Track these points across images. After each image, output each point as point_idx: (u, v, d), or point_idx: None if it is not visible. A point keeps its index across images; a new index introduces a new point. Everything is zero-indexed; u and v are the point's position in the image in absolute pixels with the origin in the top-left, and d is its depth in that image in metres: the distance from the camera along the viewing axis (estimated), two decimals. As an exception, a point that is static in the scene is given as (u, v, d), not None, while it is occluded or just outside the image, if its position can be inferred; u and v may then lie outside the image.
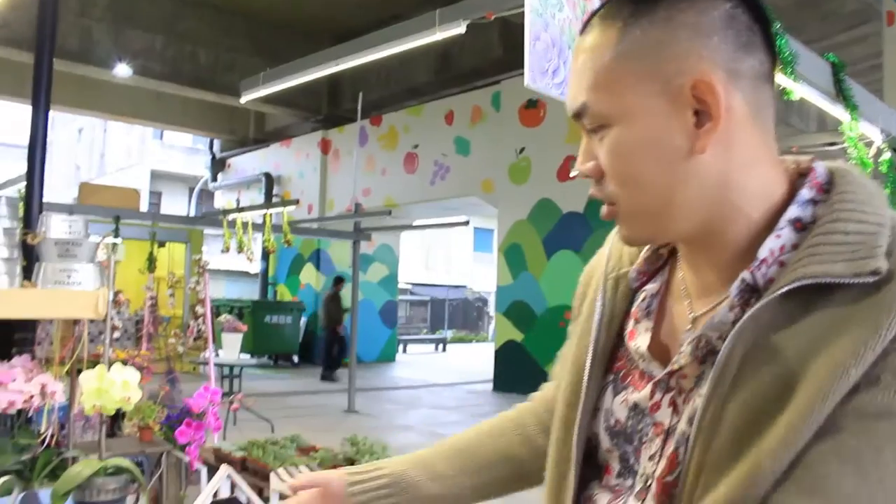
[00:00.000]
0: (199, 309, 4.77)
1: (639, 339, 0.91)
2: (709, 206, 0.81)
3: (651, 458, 0.86)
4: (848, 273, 0.73)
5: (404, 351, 21.97)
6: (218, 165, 20.54)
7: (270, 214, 8.15)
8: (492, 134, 13.19)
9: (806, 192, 0.82)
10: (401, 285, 18.24)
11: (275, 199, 17.14)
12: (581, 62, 0.85)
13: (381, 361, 17.46)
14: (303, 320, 16.63)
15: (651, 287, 0.94)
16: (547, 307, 11.85)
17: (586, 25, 0.86)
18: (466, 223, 11.76)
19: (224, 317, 6.78)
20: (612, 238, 1.02)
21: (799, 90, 5.02)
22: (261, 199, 17.58)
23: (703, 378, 0.81)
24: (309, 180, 17.48)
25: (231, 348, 6.46)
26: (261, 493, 1.99)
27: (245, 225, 7.30)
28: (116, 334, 3.59)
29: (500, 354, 12.79)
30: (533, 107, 12.35)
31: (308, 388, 12.87)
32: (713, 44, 0.79)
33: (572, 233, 11.54)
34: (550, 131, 11.92)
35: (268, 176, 18.39)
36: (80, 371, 2.69)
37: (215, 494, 1.90)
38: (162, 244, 8.23)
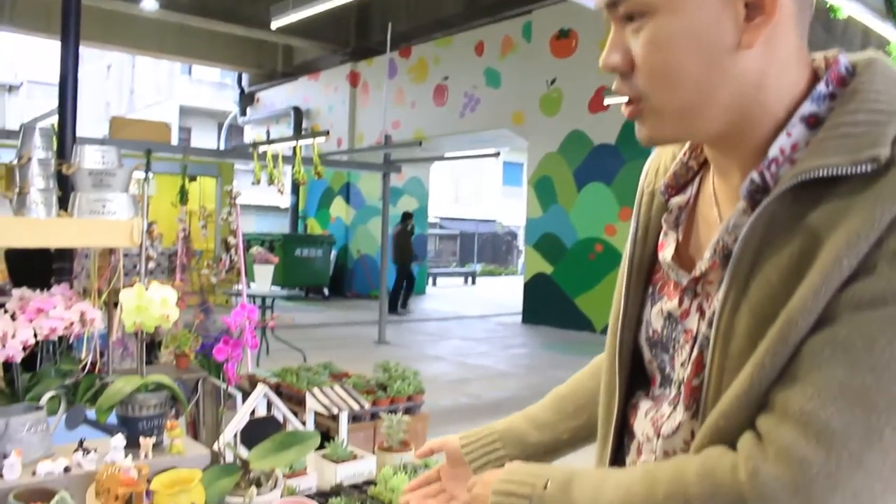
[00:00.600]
0: (231, 240, 4.81)
1: (666, 250, 0.92)
2: (739, 107, 0.79)
3: (682, 364, 0.88)
4: (846, 163, 0.72)
5: (434, 284, 22.13)
6: (247, 100, 20.50)
7: (300, 146, 8.14)
8: (522, 65, 12.97)
9: (822, 87, 0.79)
10: (430, 219, 18.24)
11: (304, 133, 17.11)
12: None
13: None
14: (333, 253, 16.76)
15: (679, 199, 0.94)
16: (577, 239, 11.81)
17: None
18: (497, 155, 11.67)
19: (255, 249, 6.84)
20: (653, 156, 1.02)
21: (847, 7, 4.83)
22: (290, 132, 17.55)
23: (723, 282, 0.81)
24: (338, 114, 17.40)
25: (263, 280, 6.54)
26: (295, 417, 2.03)
27: (275, 157, 7.31)
28: (151, 265, 3.64)
29: (529, 287, 12.84)
30: (565, 37, 12.11)
31: (339, 319, 13.05)
32: None
33: (603, 165, 11.42)
34: (582, 62, 11.69)
35: (297, 110, 18.32)
36: (116, 304, 2.75)
37: (252, 413, 1.95)
38: (193, 178, 8.28)
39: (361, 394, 3.30)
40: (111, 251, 2.93)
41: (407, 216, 14.57)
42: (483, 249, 31.67)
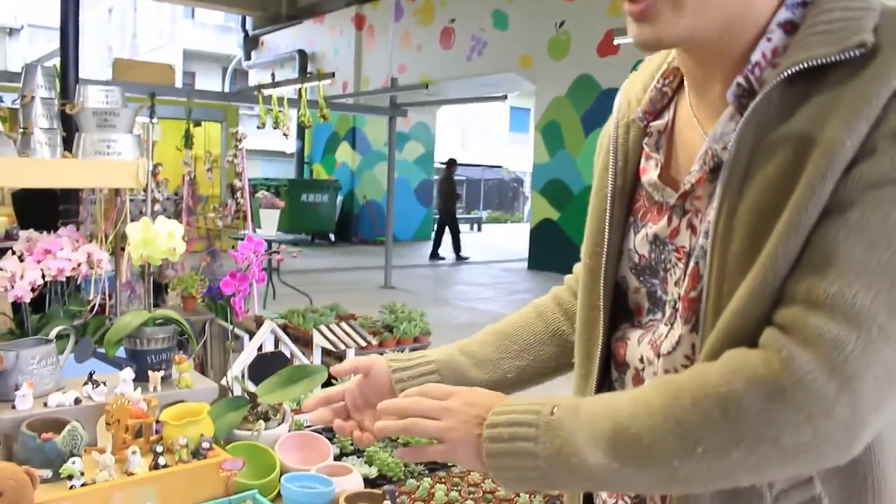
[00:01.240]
0: (237, 183, 4.80)
1: (650, 173, 0.94)
2: (735, 9, 0.81)
3: (676, 283, 0.89)
4: (833, 51, 0.74)
5: (440, 231, 22.10)
6: (251, 44, 20.26)
7: (306, 89, 8.06)
8: (531, 7, 12.73)
9: None
10: (436, 165, 18.15)
11: (309, 76, 16.95)
12: None
13: (417, 240, 17.61)
14: (339, 199, 16.73)
15: (658, 123, 0.96)
16: (584, 185, 11.75)
17: None
18: (504, 98, 11.57)
19: (261, 193, 6.83)
20: (622, 90, 1.05)
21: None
22: (295, 77, 17.38)
23: (714, 193, 0.83)
24: (343, 57, 17.19)
25: (269, 224, 6.53)
26: (302, 354, 2.05)
27: (280, 100, 7.25)
28: (156, 208, 3.65)
29: (535, 233, 12.82)
30: (573, -23, 11.89)
31: (345, 265, 13.10)
32: None
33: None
34: (591, 4, 11.46)
35: (301, 53, 18.12)
36: (123, 249, 2.76)
37: (260, 350, 1.97)
38: (198, 123, 8.21)
39: (370, 333, 3.33)
40: (117, 193, 2.94)
41: (451, 162, 14.51)
42: (489, 196, 31.57)
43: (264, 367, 1.90)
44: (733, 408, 0.72)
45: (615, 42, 9.77)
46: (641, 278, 0.95)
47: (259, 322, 3.79)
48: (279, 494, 1.52)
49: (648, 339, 0.93)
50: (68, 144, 2.74)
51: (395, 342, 3.93)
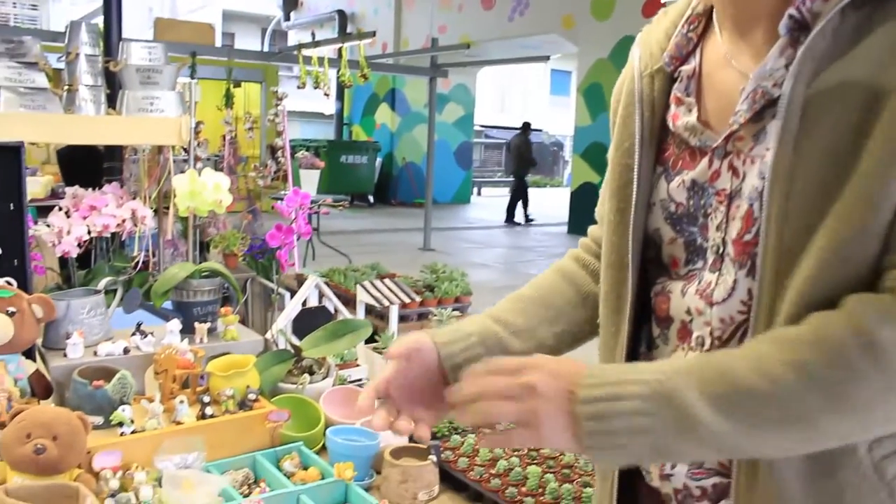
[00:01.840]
0: (277, 142, 4.81)
1: (684, 118, 0.91)
2: None
3: (718, 227, 0.86)
4: None
5: (478, 193, 22.04)
6: (290, 4, 20.19)
7: (346, 48, 8.02)
8: (573, -35, 12.50)
9: None
10: (476, 127, 18.02)
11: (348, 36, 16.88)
12: None
13: (456, 203, 17.58)
14: (378, 160, 16.73)
15: (686, 68, 0.93)
16: (625, 148, 11.59)
17: None
18: (547, 59, 11.41)
19: (301, 153, 6.83)
20: (639, 42, 1.00)
21: None
22: (334, 37, 17.32)
23: (762, 133, 0.80)
24: (383, 17, 17.07)
25: (309, 185, 6.54)
26: (345, 309, 2.05)
27: (321, 60, 7.22)
28: (199, 165, 3.67)
29: (575, 196, 12.71)
30: (618, -66, 11.61)
31: (384, 226, 13.14)
32: None
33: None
34: (636, -39, 11.22)
35: (341, 13, 18.02)
36: (167, 208, 2.79)
37: (304, 304, 1.97)
38: (238, 84, 8.22)
39: (413, 291, 3.33)
40: (160, 151, 2.95)
41: (526, 126, 14.43)
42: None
43: (308, 321, 1.90)
44: (884, 358, 0.68)
45: (662, 0, 9.53)
46: (678, 228, 0.92)
47: (300, 280, 3.81)
48: (324, 447, 1.53)
49: (694, 288, 0.89)
50: (112, 102, 2.76)
51: (436, 301, 3.92)
